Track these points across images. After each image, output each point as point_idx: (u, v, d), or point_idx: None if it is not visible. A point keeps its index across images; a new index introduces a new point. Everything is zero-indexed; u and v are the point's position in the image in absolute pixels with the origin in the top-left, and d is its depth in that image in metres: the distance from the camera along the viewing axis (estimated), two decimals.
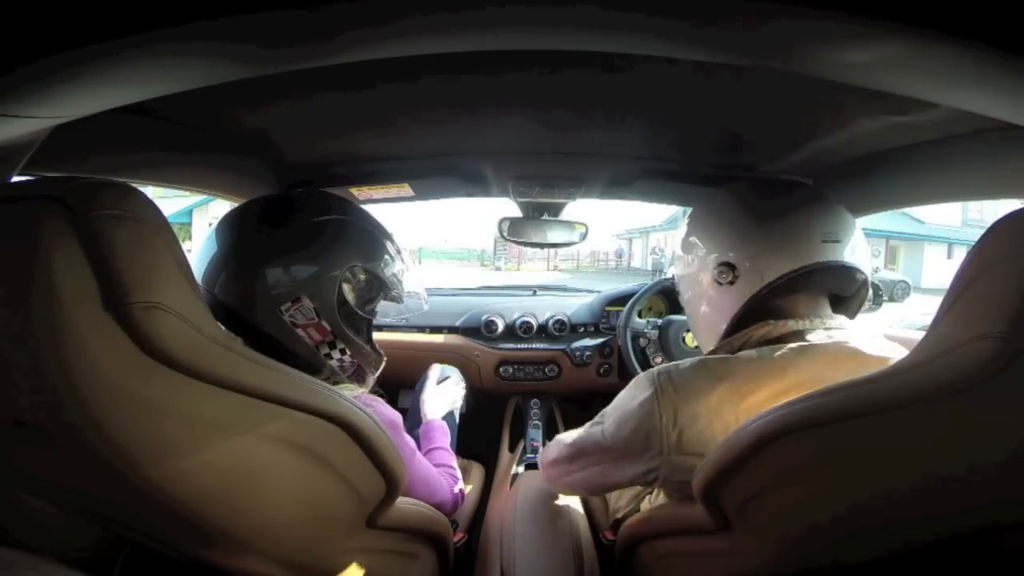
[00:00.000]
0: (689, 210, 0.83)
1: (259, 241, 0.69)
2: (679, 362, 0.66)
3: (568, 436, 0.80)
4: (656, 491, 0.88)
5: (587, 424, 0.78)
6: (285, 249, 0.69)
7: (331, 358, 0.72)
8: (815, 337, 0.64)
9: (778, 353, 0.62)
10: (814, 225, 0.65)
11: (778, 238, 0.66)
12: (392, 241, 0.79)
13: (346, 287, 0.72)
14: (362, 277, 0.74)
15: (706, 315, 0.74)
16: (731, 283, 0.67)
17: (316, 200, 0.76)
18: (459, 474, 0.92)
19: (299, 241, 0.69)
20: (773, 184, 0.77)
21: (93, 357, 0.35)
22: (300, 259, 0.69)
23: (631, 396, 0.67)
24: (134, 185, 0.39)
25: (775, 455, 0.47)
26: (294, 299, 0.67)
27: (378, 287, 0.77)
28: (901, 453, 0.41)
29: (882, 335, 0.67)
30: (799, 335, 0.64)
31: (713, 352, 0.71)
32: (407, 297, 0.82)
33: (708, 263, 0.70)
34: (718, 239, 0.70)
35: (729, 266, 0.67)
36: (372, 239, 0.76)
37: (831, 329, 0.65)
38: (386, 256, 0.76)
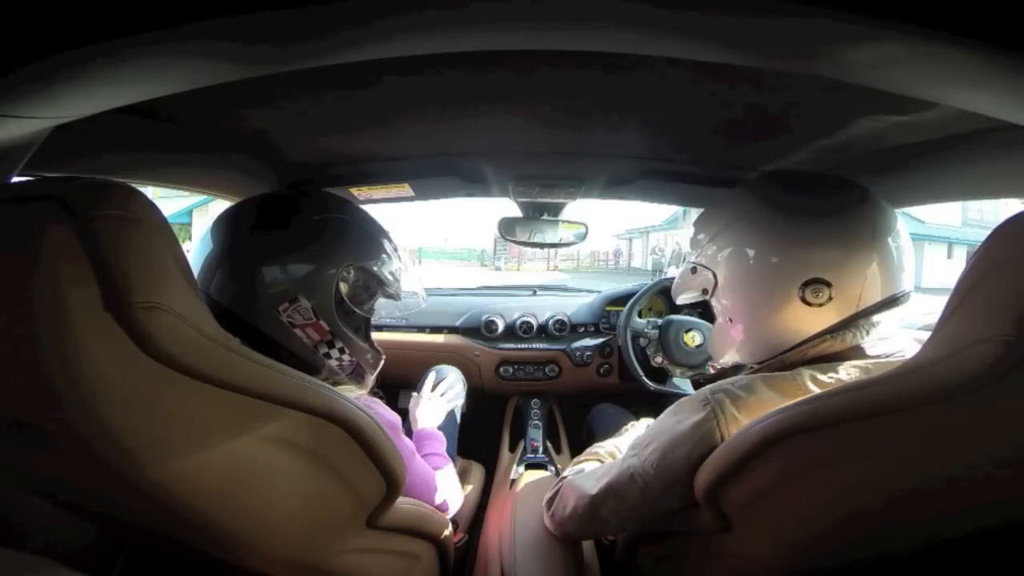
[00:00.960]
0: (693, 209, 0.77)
1: (255, 241, 0.69)
2: (733, 380, 0.61)
3: (582, 482, 0.73)
4: None
5: (603, 464, 0.74)
6: (282, 249, 0.68)
7: (330, 357, 0.72)
8: (871, 348, 0.61)
9: (843, 372, 0.58)
10: (907, 250, 0.62)
11: (880, 261, 0.60)
12: (389, 239, 0.79)
13: (343, 286, 0.71)
14: (359, 275, 0.74)
15: (770, 331, 0.65)
16: (822, 304, 0.60)
17: (313, 199, 0.75)
18: (439, 483, 0.85)
19: (296, 240, 0.69)
20: (827, 184, 0.67)
21: (93, 357, 0.35)
22: (297, 259, 0.68)
23: (676, 420, 0.61)
24: (134, 185, 0.39)
25: (779, 457, 0.47)
26: (291, 299, 0.67)
27: (376, 285, 0.76)
28: (905, 455, 0.41)
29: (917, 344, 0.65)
30: (858, 350, 0.61)
31: (761, 367, 0.66)
32: (405, 295, 0.82)
33: (792, 276, 0.61)
34: (811, 253, 0.61)
35: (825, 283, 0.60)
36: (369, 237, 0.76)
37: (885, 339, 0.62)
38: (383, 254, 0.76)
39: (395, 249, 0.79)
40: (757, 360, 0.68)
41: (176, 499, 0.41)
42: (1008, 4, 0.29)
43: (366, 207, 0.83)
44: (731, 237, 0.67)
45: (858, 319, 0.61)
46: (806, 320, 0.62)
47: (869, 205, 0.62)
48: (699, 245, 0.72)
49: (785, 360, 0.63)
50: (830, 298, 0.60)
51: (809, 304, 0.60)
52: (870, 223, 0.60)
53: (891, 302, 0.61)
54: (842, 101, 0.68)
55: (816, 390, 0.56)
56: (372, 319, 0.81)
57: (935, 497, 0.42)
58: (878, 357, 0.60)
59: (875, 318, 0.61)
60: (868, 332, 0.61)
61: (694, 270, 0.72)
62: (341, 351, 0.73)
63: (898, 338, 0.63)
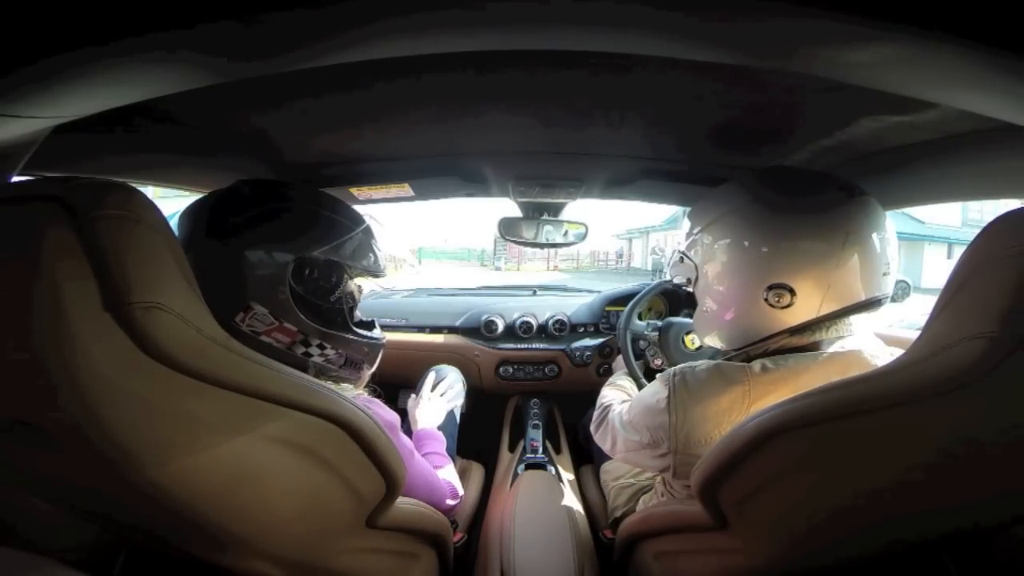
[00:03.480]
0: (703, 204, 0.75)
1: (192, 255, 0.59)
2: (695, 364, 0.67)
3: (615, 419, 0.83)
4: (653, 490, 0.88)
5: (620, 402, 0.83)
6: (217, 259, 0.61)
7: (310, 356, 0.66)
8: (830, 348, 0.64)
9: (792, 361, 0.62)
10: (882, 256, 0.62)
11: (845, 269, 0.60)
12: (344, 215, 0.69)
13: (296, 282, 0.63)
14: (311, 267, 0.65)
15: (739, 325, 0.69)
16: (784, 307, 0.62)
17: (243, 195, 0.66)
18: (439, 480, 0.85)
19: (227, 247, 0.61)
20: (820, 183, 0.65)
21: (93, 357, 0.35)
22: (232, 267, 0.61)
23: (652, 392, 0.70)
24: (134, 185, 0.39)
25: (772, 453, 0.47)
26: (244, 308, 0.61)
27: (336, 272, 0.67)
28: (895, 451, 0.41)
29: (880, 341, 0.68)
30: (816, 345, 0.65)
31: (729, 356, 0.72)
32: (382, 268, 0.72)
33: (758, 278, 0.63)
34: (776, 257, 0.62)
35: (788, 290, 0.62)
36: (313, 221, 0.66)
37: (844, 338, 0.66)
38: (337, 236, 0.66)
39: (353, 222, 0.69)
40: (731, 347, 0.73)
41: (176, 499, 0.41)
42: (1008, 4, 0.29)
43: (366, 208, 0.83)
44: (706, 240, 0.70)
45: (821, 321, 0.63)
46: (770, 319, 0.64)
47: (847, 208, 0.61)
48: (684, 239, 0.77)
49: (751, 352, 0.68)
50: (791, 303, 0.62)
51: (772, 306, 0.63)
52: (843, 229, 0.60)
53: (862, 306, 0.63)
54: (842, 101, 0.68)
55: (764, 376, 0.61)
56: (347, 306, 0.70)
57: (925, 493, 0.43)
58: (834, 352, 0.63)
59: (845, 319, 0.65)
60: (828, 330, 0.65)
61: (682, 259, 0.77)
62: (321, 347, 0.67)
63: (860, 336, 0.66)
